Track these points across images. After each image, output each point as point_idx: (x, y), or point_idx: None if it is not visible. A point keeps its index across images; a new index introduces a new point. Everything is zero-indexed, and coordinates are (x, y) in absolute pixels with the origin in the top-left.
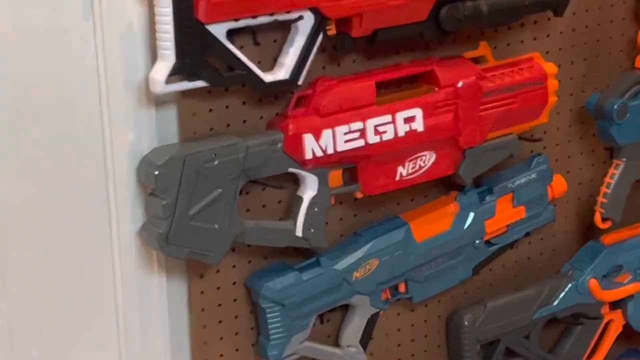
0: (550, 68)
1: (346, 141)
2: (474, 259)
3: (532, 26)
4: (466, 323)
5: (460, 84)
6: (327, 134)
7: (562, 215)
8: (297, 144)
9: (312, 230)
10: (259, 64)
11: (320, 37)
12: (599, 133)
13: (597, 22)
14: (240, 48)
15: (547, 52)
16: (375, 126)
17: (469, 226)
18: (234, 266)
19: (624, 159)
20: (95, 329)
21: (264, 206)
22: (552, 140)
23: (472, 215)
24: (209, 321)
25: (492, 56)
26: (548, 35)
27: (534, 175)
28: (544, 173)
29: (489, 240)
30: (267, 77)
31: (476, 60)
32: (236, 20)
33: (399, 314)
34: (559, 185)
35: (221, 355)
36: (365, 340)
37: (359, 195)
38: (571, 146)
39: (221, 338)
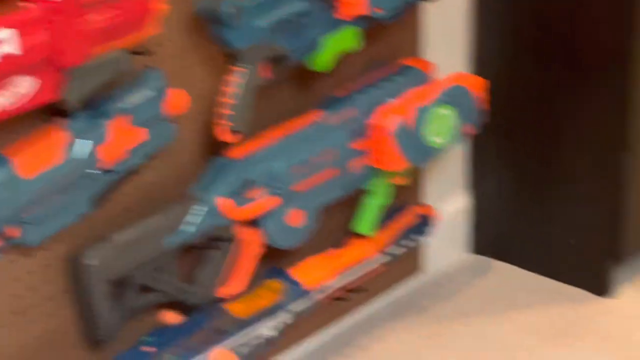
0: None
1: None
2: (92, 190)
3: None
4: (90, 263)
5: None
6: None
7: (186, 133)
8: None
9: None
10: None
11: None
12: (214, 39)
13: None
14: None
15: None
16: None
17: (82, 155)
18: None
19: (244, 65)
20: None
21: None
22: (167, 52)
23: (84, 142)
24: None
25: None
26: None
27: (149, 92)
28: (160, 88)
29: (108, 167)
30: None
31: None
32: None
33: (13, 262)
34: (178, 100)
35: None
36: None
37: None
38: (189, 56)
39: None
